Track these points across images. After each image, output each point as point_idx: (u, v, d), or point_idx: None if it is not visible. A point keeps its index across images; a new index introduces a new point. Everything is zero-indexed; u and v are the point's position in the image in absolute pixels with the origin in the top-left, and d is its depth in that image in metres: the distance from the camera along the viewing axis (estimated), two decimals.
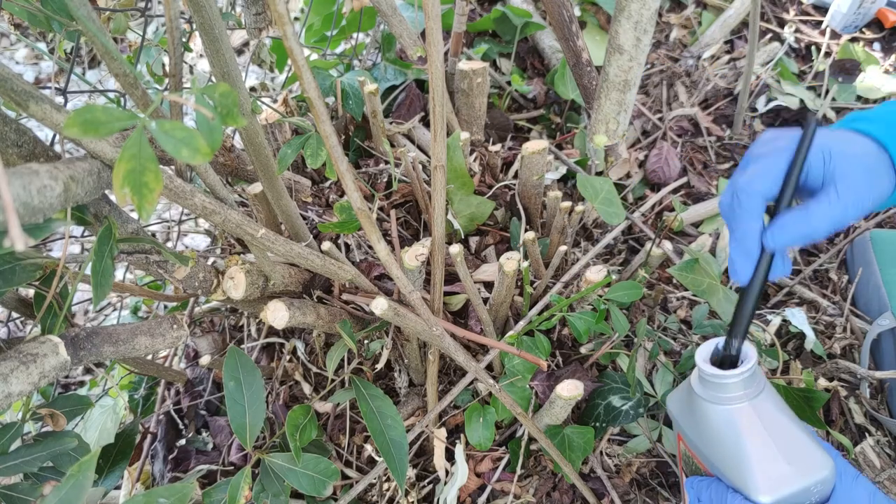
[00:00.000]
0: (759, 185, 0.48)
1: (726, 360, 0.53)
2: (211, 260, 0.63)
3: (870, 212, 0.49)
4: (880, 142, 0.49)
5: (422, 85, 1.10)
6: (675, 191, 1.12)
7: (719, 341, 0.55)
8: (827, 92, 1.22)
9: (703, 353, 0.55)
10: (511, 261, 0.69)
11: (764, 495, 0.50)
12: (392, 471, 0.62)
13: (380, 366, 0.78)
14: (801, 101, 1.21)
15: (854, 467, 0.55)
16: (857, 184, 0.47)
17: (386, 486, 0.78)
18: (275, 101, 1.02)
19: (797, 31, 1.35)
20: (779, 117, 1.22)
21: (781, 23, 1.37)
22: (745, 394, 0.52)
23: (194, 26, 0.56)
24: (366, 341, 0.78)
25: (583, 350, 0.83)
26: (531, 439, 0.78)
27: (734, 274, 0.51)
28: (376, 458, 0.79)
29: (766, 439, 0.51)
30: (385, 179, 0.95)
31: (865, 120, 0.52)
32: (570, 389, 0.67)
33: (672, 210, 1.09)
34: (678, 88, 1.27)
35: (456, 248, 0.64)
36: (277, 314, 0.59)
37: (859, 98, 1.21)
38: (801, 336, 0.92)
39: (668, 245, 0.90)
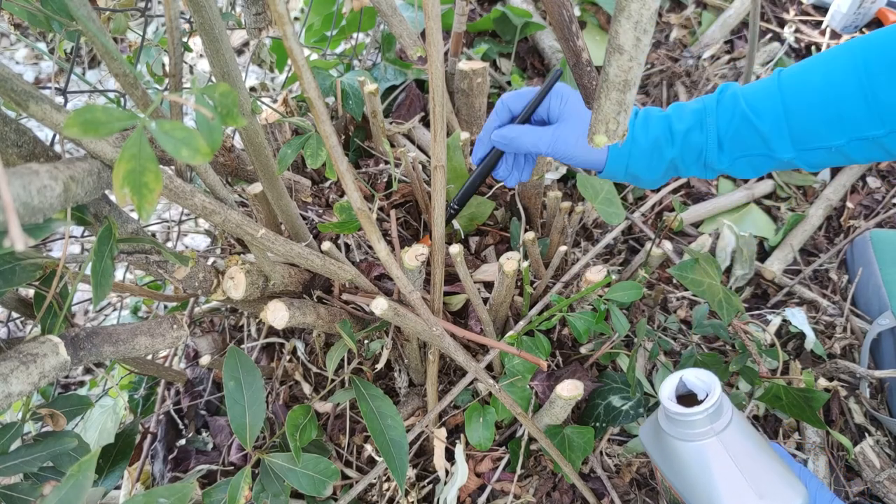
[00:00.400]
0: (509, 99, 0.65)
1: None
2: (211, 260, 0.63)
3: (571, 162, 0.63)
4: None
5: (422, 85, 1.10)
6: (674, 191, 1.12)
7: (684, 374, 0.55)
8: None
9: (667, 390, 0.55)
10: (511, 261, 0.69)
11: None
12: (392, 471, 0.62)
13: (380, 366, 0.78)
14: None
15: (829, 490, 0.56)
16: (566, 127, 0.61)
17: (386, 486, 0.78)
18: (275, 101, 1.02)
19: (797, 31, 1.35)
20: None
21: (781, 23, 1.37)
22: (712, 428, 0.52)
23: (194, 26, 0.56)
24: (366, 341, 0.78)
25: (583, 350, 0.83)
26: (531, 439, 0.78)
27: (472, 157, 0.68)
28: (376, 458, 0.79)
29: (735, 474, 0.51)
30: (385, 179, 0.95)
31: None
32: (570, 389, 0.67)
33: (672, 210, 1.09)
34: (678, 88, 1.27)
35: (456, 248, 0.64)
36: (277, 314, 0.59)
37: None
38: (801, 336, 0.92)
39: (668, 245, 0.90)
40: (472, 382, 0.80)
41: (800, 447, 0.83)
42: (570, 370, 0.80)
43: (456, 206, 0.71)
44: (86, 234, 0.79)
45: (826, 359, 0.90)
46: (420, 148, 1.02)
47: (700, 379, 0.55)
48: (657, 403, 0.80)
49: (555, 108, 0.63)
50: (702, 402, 0.52)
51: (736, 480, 0.51)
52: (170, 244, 1.09)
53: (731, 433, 0.52)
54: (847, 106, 0.54)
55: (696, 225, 1.09)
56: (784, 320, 0.92)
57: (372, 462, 0.81)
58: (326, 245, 0.64)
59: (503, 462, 0.79)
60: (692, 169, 0.63)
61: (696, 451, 0.52)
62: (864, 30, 1.32)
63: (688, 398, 0.55)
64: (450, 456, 0.78)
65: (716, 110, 0.61)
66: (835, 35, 1.32)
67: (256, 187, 0.68)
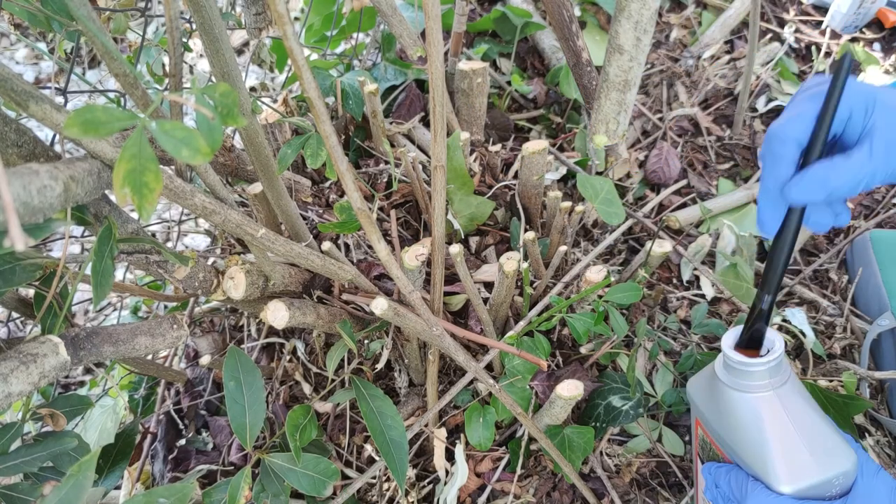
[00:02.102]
0: (791, 129, 0.44)
1: (754, 337, 0.52)
2: (211, 260, 0.63)
3: None
4: None
5: (422, 85, 1.10)
6: (676, 192, 1.12)
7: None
8: None
9: (729, 339, 0.54)
10: (511, 261, 0.69)
11: (785, 485, 0.50)
12: (392, 471, 0.62)
13: (380, 366, 0.78)
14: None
15: (875, 462, 0.55)
16: (891, 139, 0.42)
17: (386, 486, 0.78)
18: (275, 101, 1.02)
19: (797, 31, 1.35)
20: None
21: (781, 23, 1.37)
22: (770, 382, 0.52)
23: (194, 26, 0.56)
24: (366, 341, 0.78)
25: (583, 350, 0.83)
26: (531, 439, 0.78)
27: (760, 225, 0.48)
28: (376, 458, 0.79)
29: (789, 429, 0.51)
30: (385, 179, 0.95)
31: None
32: (570, 389, 0.67)
33: (672, 210, 1.09)
34: (678, 88, 1.27)
35: (456, 248, 0.64)
36: (277, 314, 0.59)
37: None
38: (801, 336, 0.92)
39: (668, 245, 0.90)
40: (471, 382, 0.80)
41: None
42: (570, 370, 0.80)
43: (770, 299, 0.51)
44: (86, 234, 0.79)
45: (826, 359, 0.90)
46: (420, 148, 1.02)
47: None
48: (657, 404, 0.81)
49: (857, 119, 0.43)
50: (763, 356, 0.52)
51: (790, 436, 0.50)
52: (170, 244, 1.09)
53: (789, 390, 0.52)
54: None
55: (697, 225, 1.09)
56: (784, 320, 0.92)
57: (372, 462, 0.81)
58: (326, 245, 0.64)
59: (503, 462, 0.79)
60: None
61: (753, 402, 0.52)
62: (863, 30, 1.32)
63: (747, 346, 0.54)
64: (450, 456, 0.78)
65: None
66: (835, 35, 1.32)
67: (256, 187, 0.68)
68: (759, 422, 0.52)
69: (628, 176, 1.13)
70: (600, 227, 1.01)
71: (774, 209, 0.46)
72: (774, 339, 0.53)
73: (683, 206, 1.10)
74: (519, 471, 0.76)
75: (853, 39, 1.31)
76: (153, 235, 0.80)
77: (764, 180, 0.46)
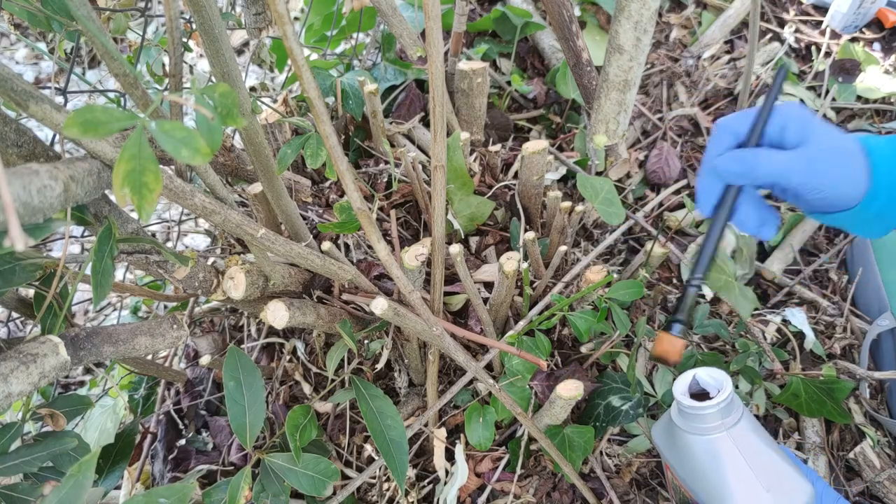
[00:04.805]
0: (732, 122, 0.51)
1: (684, 321, 0.52)
2: (211, 260, 0.63)
3: (820, 195, 0.49)
4: (865, 146, 0.49)
5: (422, 85, 1.10)
6: (676, 192, 1.12)
7: (697, 372, 0.57)
8: (827, 92, 1.22)
9: (681, 386, 0.57)
10: (511, 261, 0.69)
11: None
12: (392, 471, 0.62)
13: (380, 366, 0.78)
14: (802, 101, 1.21)
15: (835, 491, 0.56)
16: (818, 152, 0.48)
17: (386, 485, 0.78)
18: (275, 101, 1.02)
19: (797, 31, 1.35)
20: None
21: (781, 23, 1.37)
22: (723, 423, 0.53)
23: (194, 26, 0.56)
24: (366, 341, 0.78)
25: (583, 350, 0.83)
26: (531, 439, 0.78)
27: (697, 204, 0.53)
28: (376, 458, 0.79)
29: (744, 468, 0.52)
30: (385, 179, 0.95)
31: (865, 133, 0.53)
32: (570, 389, 0.67)
33: (672, 210, 1.09)
34: (678, 88, 1.27)
35: (456, 248, 0.64)
36: (277, 314, 0.59)
37: (859, 98, 1.21)
38: (801, 336, 0.92)
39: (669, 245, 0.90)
40: (471, 382, 0.80)
41: (800, 447, 0.83)
42: (570, 370, 0.80)
43: (699, 279, 0.52)
44: (86, 234, 0.79)
45: (826, 359, 0.90)
46: (420, 148, 1.02)
47: (712, 377, 0.56)
48: (657, 403, 0.80)
49: (795, 132, 0.49)
50: (713, 398, 0.54)
51: (745, 474, 0.52)
52: (170, 244, 1.09)
53: (742, 429, 0.54)
54: None
55: (697, 225, 1.09)
56: (784, 320, 0.92)
57: (372, 462, 0.81)
58: (326, 245, 0.64)
59: (503, 462, 0.79)
60: None
61: (707, 445, 0.54)
62: (863, 30, 1.32)
63: (700, 396, 0.57)
64: (450, 456, 0.78)
65: None
66: (835, 35, 1.32)
67: (256, 187, 0.68)
68: (715, 463, 0.53)
69: (628, 176, 1.13)
70: (600, 227, 1.01)
71: (708, 186, 0.52)
72: (723, 380, 0.55)
73: (683, 205, 1.10)
74: (519, 471, 0.76)
75: (853, 39, 1.31)
76: (153, 235, 0.80)
77: (702, 161, 0.53)
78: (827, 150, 0.48)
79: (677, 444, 0.57)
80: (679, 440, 0.56)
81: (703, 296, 0.96)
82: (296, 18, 1.61)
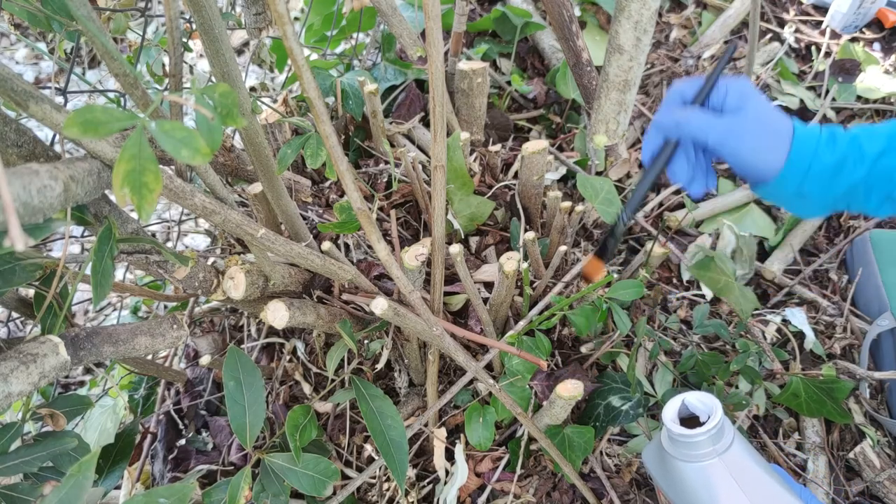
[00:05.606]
0: (682, 86, 0.58)
1: (607, 248, 0.58)
2: (211, 260, 0.63)
3: (737, 160, 0.54)
4: (794, 127, 0.54)
5: (422, 85, 1.10)
6: (676, 191, 1.12)
7: (686, 397, 0.57)
8: (827, 92, 1.22)
9: (671, 412, 0.56)
10: (511, 261, 0.69)
11: None
12: (392, 471, 0.62)
13: (380, 366, 0.78)
14: (801, 101, 1.21)
15: None
16: (743, 120, 0.54)
17: (386, 485, 0.78)
18: (275, 101, 1.02)
19: (797, 31, 1.35)
20: None
21: (781, 23, 1.37)
22: (714, 449, 0.53)
23: (194, 26, 0.56)
24: (366, 341, 0.78)
25: (583, 350, 0.83)
26: (531, 439, 0.78)
27: (643, 153, 0.60)
28: (376, 458, 0.79)
29: (738, 494, 0.52)
30: (385, 179, 0.95)
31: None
32: (570, 389, 0.67)
33: (672, 210, 1.09)
34: None
35: (456, 248, 0.64)
36: (277, 314, 0.59)
37: (859, 98, 1.21)
38: (801, 336, 0.92)
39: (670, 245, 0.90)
40: (471, 382, 0.80)
41: (799, 447, 0.83)
42: (570, 370, 0.80)
43: (629, 216, 0.59)
44: (86, 234, 0.79)
45: (826, 359, 0.90)
46: (420, 148, 1.02)
47: (702, 401, 0.56)
48: (657, 403, 0.81)
49: (733, 100, 0.55)
50: (704, 423, 0.53)
51: (739, 500, 0.52)
52: (170, 244, 1.09)
53: (734, 454, 0.53)
54: None
55: (697, 225, 1.09)
56: (784, 320, 0.92)
57: (372, 462, 0.81)
58: (326, 245, 0.64)
59: (503, 462, 0.79)
60: (872, 199, 0.55)
61: (699, 471, 0.53)
62: (863, 30, 1.32)
63: (690, 421, 0.56)
64: (450, 456, 0.78)
65: None
66: (835, 35, 1.32)
67: (256, 187, 0.68)
68: (708, 489, 0.53)
69: (628, 176, 1.13)
70: (600, 227, 1.01)
71: (651, 138, 0.58)
72: (713, 406, 0.54)
73: (683, 205, 1.10)
74: (519, 471, 0.76)
75: (853, 39, 1.31)
76: (153, 235, 0.80)
77: (653, 118, 0.58)
78: (751, 119, 0.54)
79: (669, 471, 0.56)
80: (670, 466, 0.56)
81: (702, 296, 0.96)
82: (296, 18, 1.61)
